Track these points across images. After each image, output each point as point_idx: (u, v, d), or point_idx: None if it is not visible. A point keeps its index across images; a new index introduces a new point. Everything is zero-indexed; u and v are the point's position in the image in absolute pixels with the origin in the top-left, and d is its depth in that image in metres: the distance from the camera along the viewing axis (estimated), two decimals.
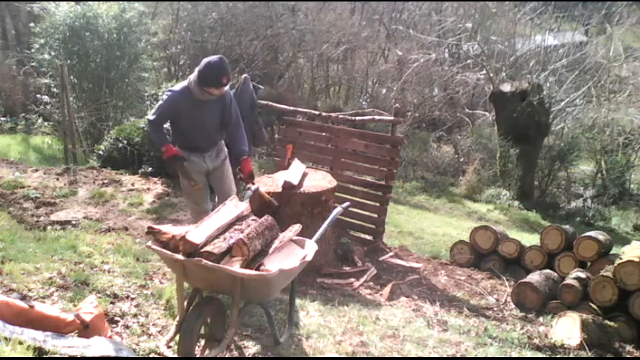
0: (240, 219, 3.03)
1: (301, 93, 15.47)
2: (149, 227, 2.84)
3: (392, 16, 17.42)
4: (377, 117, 6.68)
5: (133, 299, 3.58)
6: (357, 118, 6.30)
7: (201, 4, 13.84)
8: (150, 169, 7.29)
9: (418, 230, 7.83)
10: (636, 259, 4.52)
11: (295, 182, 4.52)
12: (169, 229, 2.81)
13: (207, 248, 2.66)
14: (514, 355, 3.78)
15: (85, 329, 2.70)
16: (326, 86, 16.67)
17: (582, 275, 4.88)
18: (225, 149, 4.46)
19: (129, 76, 10.59)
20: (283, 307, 3.80)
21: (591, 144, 13.68)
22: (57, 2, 10.10)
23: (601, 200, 12.68)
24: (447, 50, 16.19)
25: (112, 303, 3.45)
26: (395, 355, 3.45)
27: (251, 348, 3.22)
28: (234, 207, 3.11)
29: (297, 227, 3.20)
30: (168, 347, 2.84)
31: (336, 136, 6.01)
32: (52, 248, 4.27)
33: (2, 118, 12.71)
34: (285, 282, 3.01)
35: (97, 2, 10.09)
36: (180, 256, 2.65)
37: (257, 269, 2.69)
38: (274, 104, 6.54)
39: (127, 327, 3.21)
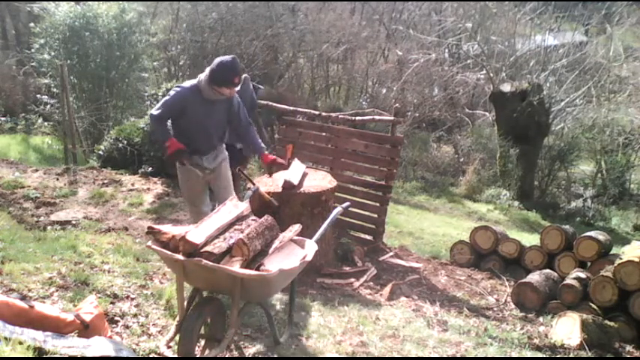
0: (240, 219, 3.03)
1: (301, 93, 15.47)
2: (149, 227, 2.84)
3: (392, 16, 17.42)
4: (377, 117, 6.67)
5: (133, 299, 3.58)
6: (357, 118, 6.30)
7: (201, 4, 13.83)
8: (150, 169, 7.29)
9: (418, 230, 7.83)
10: (636, 259, 4.52)
11: (295, 182, 4.52)
12: (169, 229, 2.81)
13: (207, 248, 2.66)
14: (514, 355, 3.78)
15: (85, 329, 2.70)
16: (326, 86, 16.67)
17: (582, 275, 4.88)
18: (225, 152, 4.42)
19: (129, 76, 10.60)
20: (283, 307, 3.80)
21: (591, 144, 13.68)
22: (57, 2, 10.10)
23: (601, 200, 12.68)
24: (447, 50, 16.19)
25: (112, 303, 3.45)
26: (395, 355, 3.45)
27: (251, 348, 3.22)
28: (234, 207, 3.11)
29: (297, 227, 3.20)
30: (168, 347, 2.84)
31: (336, 136, 6.01)
32: (52, 248, 4.27)
33: (2, 118, 12.72)
34: (285, 282, 3.01)
35: (96, 2, 10.09)
36: (180, 256, 2.65)
37: (257, 269, 2.69)
38: (274, 104, 6.53)
39: (127, 327, 3.21)
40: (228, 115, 4.21)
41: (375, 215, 5.86)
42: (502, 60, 14.21)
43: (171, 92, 4.07)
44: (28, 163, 8.45)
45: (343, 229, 5.75)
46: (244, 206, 3.16)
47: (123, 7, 10.14)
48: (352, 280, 4.93)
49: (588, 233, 5.47)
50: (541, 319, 4.65)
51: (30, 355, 2.29)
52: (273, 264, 2.75)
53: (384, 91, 16.36)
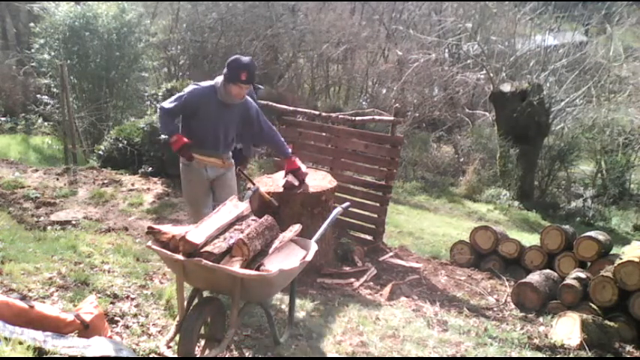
0: (240, 219, 3.03)
1: (301, 93, 15.48)
2: (149, 227, 2.84)
3: (392, 16, 17.43)
4: (377, 117, 6.68)
5: (133, 299, 3.58)
6: (357, 118, 6.30)
7: (201, 4, 13.84)
8: (150, 169, 7.29)
9: (418, 230, 7.83)
10: (636, 259, 4.52)
11: (296, 182, 4.51)
12: (169, 229, 2.81)
13: (207, 248, 2.66)
14: (514, 355, 3.78)
15: (85, 329, 2.70)
16: (326, 86, 16.68)
17: (582, 275, 4.88)
18: (232, 160, 4.25)
19: (129, 76, 10.60)
20: (283, 307, 3.80)
21: (591, 144, 13.68)
22: (57, 2, 10.10)
23: (601, 200, 12.68)
24: (447, 50, 16.19)
25: (112, 303, 3.45)
26: (395, 355, 3.45)
27: (251, 348, 3.22)
28: (234, 207, 3.11)
29: (297, 227, 3.20)
30: (168, 347, 2.84)
31: (336, 136, 6.01)
32: (52, 248, 4.27)
33: (2, 118, 12.72)
34: (285, 282, 3.01)
35: (96, 2, 10.10)
36: (180, 256, 2.65)
37: (257, 269, 2.69)
38: (274, 104, 6.53)
39: (127, 327, 3.21)
40: (244, 122, 4.07)
41: (375, 215, 5.86)
42: (502, 60, 14.21)
43: (188, 89, 3.96)
44: (28, 163, 8.45)
45: (343, 229, 5.75)
46: (244, 206, 3.16)
47: (123, 7, 10.14)
48: (352, 280, 4.93)
49: (588, 233, 5.47)
50: (541, 319, 4.65)
51: (30, 355, 2.29)
52: (273, 264, 2.75)
53: (384, 91, 16.37)
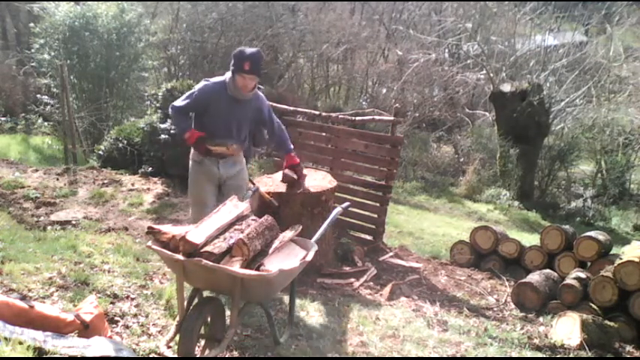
0: (240, 219, 3.03)
1: (301, 93, 15.49)
2: (149, 227, 2.84)
3: (392, 16, 17.43)
4: (377, 117, 6.68)
5: (133, 299, 3.58)
6: (357, 118, 6.30)
7: (201, 4, 13.84)
8: (150, 169, 7.29)
9: (418, 230, 7.83)
10: (636, 259, 4.52)
11: (295, 176, 4.44)
12: (169, 229, 2.81)
13: (207, 248, 2.66)
14: (514, 355, 3.78)
15: (85, 329, 2.70)
16: (326, 86, 16.69)
17: (582, 275, 4.88)
18: (244, 161, 4.19)
19: (129, 76, 10.60)
20: (283, 307, 3.80)
21: (591, 144, 13.68)
22: (57, 2, 10.10)
23: (601, 200, 12.68)
24: (447, 50, 16.19)
25: (112, 303, 3.45)
26: (395, 355, 3.45)
27: (251, 348, 3.22)
28: (234, 207, 3.11)
29: (297, 227, 3.20)
30: (168, 347, 2.84)
31: (336, 136, 6.01)
32: (52, 248, 4.27)
33: (2, 118, 12.72)
34: (285, 282, 3.01)
35: (96, 2, 10.10)
36: (180, 256, 2.65)
37: (257, 269, 2.69)
38: (274, 104, 6.52)
39: (127, 327, 3.21)
40: (258, 121, 4.03)
41: (375, 215, 5.86)
42: (502, 60, 14.21)
43: (198, 85, 3.94)
44: (28, 163, 8.45)
45: (343, 229, 5.75)
46: (244, 206, 3.16)
47: (122, 7, 10.14)
48: (352, 280, 4.93)
49: (588, 233, 5.46)
50: (541, 319, 4.65)
51: (30, 355, 2.29)
52: (273, 264, 2.76)
53: (384, 91, 16.37)
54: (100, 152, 8.06)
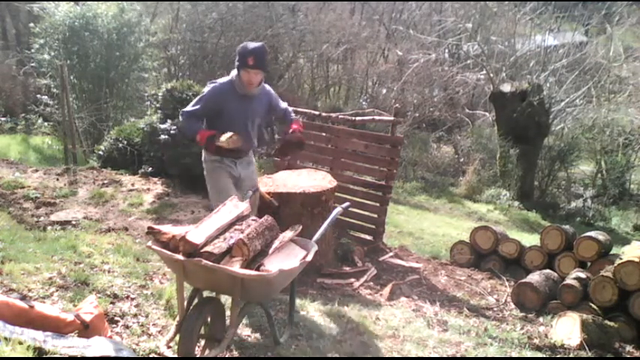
0: (240, 219, 3.03)
1: (301, 93, 15.50)
2: (149, 227, 2.84)
3: (392, 16, 17.45)
4: (377, 117, 6.68)
5: (133, 299, 3.57)
6: (357, 118, 6.30)
7: (201, 4, 13.85)
8: (150, 169, 7.29)
9: (418, 230, 7.83)
10: (636, 259, 4.52)
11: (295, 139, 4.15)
12: (169, 229, 2.81)
13: (207, 248, 2.66)
14: (514, 355, 3.78)
15: (85, 329, 2.70)
16: (326, 86, 16.70)
17: (582, 275, 4.88)
18: (252, 157, 4.19)
19: (129, 76, 10.61)
20: (283, 307, 3.80)
21: (591, 144, 13.69)
22: (57, 2, 10.10)
23: (601, 200, 12.69)
24: (447, 50, 16.19)
25: (112, 303, 3.44)
26: (395, 355, 3.45)
27: (251, 348, 3.22)
28: (234, 207, 3.10)
29: (297, 227, 3.20)
30: (168, 347, 2.84)
31: (336, 136, 6.01)
32: (52, 248, 4.27)
33: (2, 118, 12.73)
34: (285, 282, 3.01)
35: (96, 2, 10.10)
36: (180, 257, 2.65)
37: (257, 269, 2.69)
38: None
39: (127, 327, 3.21)
40: (269, 110, 4.00)
41: (375, 215, 5.86)
42: (502, 60, 14.21)
43: (205, 89, 3.90)
44: (28, 163, 8.44)
45: (343, 229, 5.75)
46: (244, 206, 3.16)
47: (122, 7, 10.14)
48: (352, 280, 4.93)
49: (588, 233, 5.47)
50: (541, 319, 4.65)
51: (30, 355, 2.29)
52: (273, 264, 2.75)
53: (384, 91, 16.38)
54: (100, 152, 8.06)
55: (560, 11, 16.67)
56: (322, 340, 3.43)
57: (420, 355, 3.50)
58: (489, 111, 14.75)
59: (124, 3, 10.30)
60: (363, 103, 15.57)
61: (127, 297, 3.59)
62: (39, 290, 3.41)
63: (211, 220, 2.90)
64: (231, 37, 14.12)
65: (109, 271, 4.00)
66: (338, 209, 3.58)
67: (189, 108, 3.87)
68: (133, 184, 6.90)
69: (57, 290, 3.46)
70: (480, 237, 5.98)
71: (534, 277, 5.04)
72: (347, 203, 3.83)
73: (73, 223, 5.39)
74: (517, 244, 5.80)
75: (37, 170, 7.35)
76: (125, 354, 2.56)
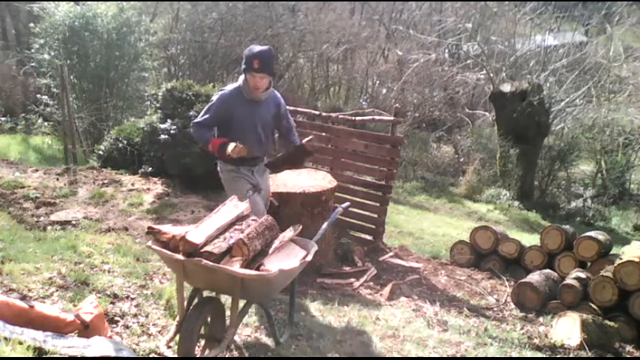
0: (240, 219, 3.03)
1: (301, 93, 15.49)
2: (149, 227, 2.84)
3: (392, 16, 17.45)
4: (377, 117, 6.68)
5: (133, 299, 3.58)
6: (357, 118, 6.30)
7: (201, 4, 13.84)
8: (150, 169, 7.29)
9: (418, 230, 7.83)
10: (636, 259, 4.52)
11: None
12: (169, 229, 2.81)
13: (207, 248, 2.66)
14: (514, 355, 3.78)
15: (85, 329, 2.70)
16: (326, 86, 16.69)
17: (582, 275, 4.88)
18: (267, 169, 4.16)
19: (129, 76, 10.60)
20: (283, 307, 3.80)
21: (591, 144, 13.69)
22: (57, 2, 10.10)
23: (601, 200, 12.69)
24: (447, 50, 16.19)
25: (112, 303, 3.44)
26: (395, 355, 3.45)
27: (251, 348, 3.22)
28: (234, 207, 3.10)
29: (297, 227, 3.20)
30: (168, 347, 2.84)
31: (336, 136, 6.01)
32: (52, 248, 4.27)
33: (2, 118, 12.72)
34: (285, 282, 3.01)
35: (96, 2, 10.10)
36: (180, 256, 2.65)
37: (257, 269, 2.69)
38: None
39: (127, 327, 3.21)
40: (276, 117, 3.96)
41: (375, 215, 5.87)
42: (502, 60, 14.21)
43: (214, 97, 3.86)
44: (28, 163, 8.44)
45: (343, 229, 5.75)
46: (244, 206, 3.16)
47: (122, 7, 10.14)
48: (352, 280, 4.93)
49: (588, 233, 5.47)
50: (541, 319, 4.65)
51: (30, 355, 2.29)
52: (273, 264, 2.75)
53: (384, 91, 16.38)
54: (100, 152, 8.06)
55: (560, 11, 16.67)
56: (322, 340, 3.43)
57: (420, 355, 3.50)
58: (489, 111, 14.75)
59: (124, 3, 10.30)
60: (363, 103, 15.57)
61: (127, 297, 3.59)
62: (39, 290, 3.41)
63: (211, 220, 2.90)
64: (231, 37, 14.12)
65: (109, 271, 4.00)
66: (338, 209, 3.59)
67: (198, 119, 3.84)
68: (133, 184, 6.90)
69: (57, 290, 3.47)
70: (480, 237, 5.98)
71: (534, 277, 5.04)
72: (347, 203, 3.83)
73: (73, 223, 5.39)
74: (517, 244, 5.80)
75: (37, 170, 7.35)
76: (125, 354, 2.56)
